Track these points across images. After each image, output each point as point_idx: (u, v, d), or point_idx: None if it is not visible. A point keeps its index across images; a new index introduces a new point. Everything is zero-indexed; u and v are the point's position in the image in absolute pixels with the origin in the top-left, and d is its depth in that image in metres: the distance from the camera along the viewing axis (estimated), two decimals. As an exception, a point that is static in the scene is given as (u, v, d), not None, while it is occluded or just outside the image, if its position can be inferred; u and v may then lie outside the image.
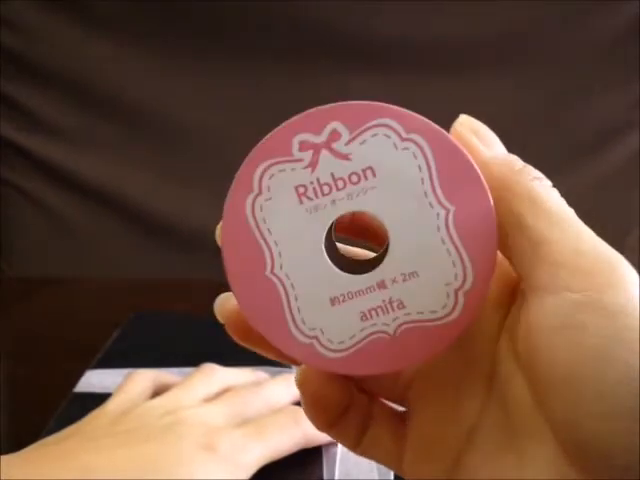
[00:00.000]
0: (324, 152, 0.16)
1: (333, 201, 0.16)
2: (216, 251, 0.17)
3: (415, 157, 0.16)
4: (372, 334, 0.16)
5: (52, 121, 0.62)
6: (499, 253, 0.17)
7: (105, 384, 0.38)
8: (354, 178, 0.16)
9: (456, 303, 0.16)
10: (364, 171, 0.16)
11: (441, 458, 0.17)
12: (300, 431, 0.32)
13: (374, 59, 0.60)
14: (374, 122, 0.16)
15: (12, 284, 0.57)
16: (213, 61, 0.60)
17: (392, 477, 0.32)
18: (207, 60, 0.60)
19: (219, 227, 0.17)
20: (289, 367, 0.35)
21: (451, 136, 0.16)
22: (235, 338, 0.18)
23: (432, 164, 0.16)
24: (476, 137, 0.17)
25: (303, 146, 0.16)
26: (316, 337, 0.16)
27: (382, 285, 0.16)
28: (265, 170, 0.16)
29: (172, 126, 0.62)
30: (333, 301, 0.16)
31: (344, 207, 0.16)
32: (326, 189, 0.16)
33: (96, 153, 0.63)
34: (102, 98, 0.62)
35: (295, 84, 0.60)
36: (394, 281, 0.16)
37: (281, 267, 0.16)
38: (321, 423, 0.18)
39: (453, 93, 0.60)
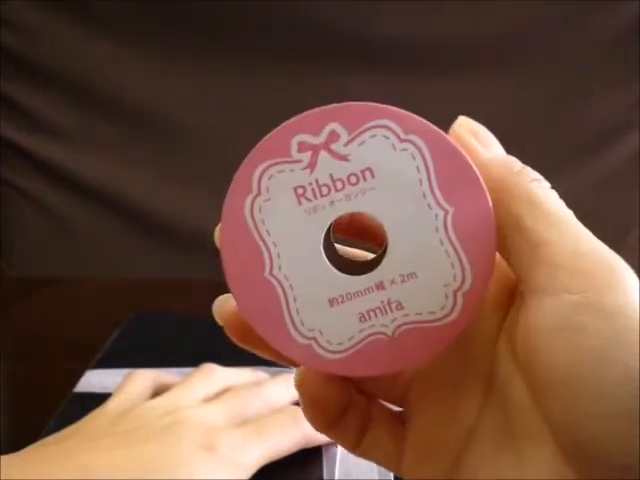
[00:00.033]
0: (323, 153, 0.16)
1: (332, 202, 0.16)
2: (216, 251, 0.17)
3: (414, 158, 0.16)
4: (371, 335, 0.16)
5: (52, 121, 0.62)
6: (497, 254, 0.17)
7: (105, 384, 0.38)
8: (353, 179, 0.16)
9: (455, 304, 0.16)
10: (363, 172, 0.16)
11: (440, 459, 0.17)
12: (300, 431, 0.32)
13: (374, 59, 0.60)
14: (373, 123, 0.16)
15: (12, 284, 0.57)
16: (213, 61, 0.60)
17: (392, 477, 0.32)
18: (207, 60, 0.60)
19: (218, 229, 0.17)
20: (289, 367, 0.35)
21: (449, 137, 0.16)
22: (234, 340, 0.18)
23: (430, 165, 0.16)
24: (475, 138, 0.17)
25: (302, 147, 0.16)
26: (315, 338, 0.16)
27: (381, 286, 0.16)
28: (264, 171, 0.16)
29: (172, 126, 0.62)
30: (332, 302, 0.16)
31: (343, 208, 0.16)
32: (325, 190, 0.16)
33: (96, 153, 0.63)
34: (102, 98, 0.62)
35: (295, 84, 0.60)
36: (393, 282, 0.16)
37: (280, 268, 0.16)
38: (320, 424, 0.18)
39: (453, 93, 0.60)
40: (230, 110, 0.61)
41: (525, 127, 0.62)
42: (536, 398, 0.15)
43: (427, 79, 0.60)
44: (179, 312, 0.47)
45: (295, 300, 0.16)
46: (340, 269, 0.17)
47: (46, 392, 0.39)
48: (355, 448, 0.19)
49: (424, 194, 0.16)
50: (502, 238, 0.16)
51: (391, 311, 0.16)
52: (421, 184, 0.16)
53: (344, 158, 0.16)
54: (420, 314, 0.16)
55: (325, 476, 0.32)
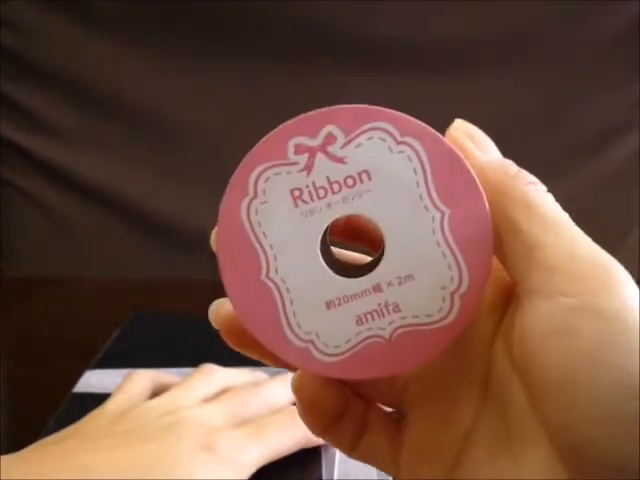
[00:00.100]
0: (320, 155, 0.16)
1: (329, 204, 0.16)
2: (216, 251, 0.17)
3: (410, 160, 0.16)
4: (368, 338, 0.16)
5: (52, 121, 0.62)
6: (494, 257, 0.17)
7: (104, 384, 0.38)
8: (349, 181, 0.16)
9: (452, 306, 0.16)
10: (359, 174, 0.16)
11: (437, 462, 0.17)
12: (299, 431, 0.32)
13: (374, 59, 0.60)
14: (369, 125, 0.16)
15: (12, 284, 0.57)
16: (213, 61, 0.60)
17: (391, 477, 0.32)
18: (207, 60, 0.60)
19: (214, 232, 0.17)
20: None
21: (446, 139, 0.16)
22: (230, 343, 0.18)
23: (427, 167, 0.16)
24: (471, 141, 0.17)
25: (299, 149, 0.16)
26: (311, 341, 0.16)
27: (378, 288, 0.16)
28: (261, 173, 0.16)
29: (172, 126, 0.62)
30: (328, 305, 0.16)
31: (340, 210, 0.16)
32: (322, 192, 0.16)
33: (96, 153, 0.63)
34: (102, 98, 0.62)
35: (295, 84, 0.60)
36: (390, 284, 0.16)
37: (276, 271, 0.16)
38: (317, 428, 0.18)
39: (453, 93, 0.60)
40: (230, 110, 0.61)
41: (525, 127, 0.62)
42: (532, 401, 0.15)
43: (427, 79, 0.60)
44: (179, 312, 0.47)
45: (292, 303, 0.16)
46: (337, 272, 0.17)
47: (46, 392, 0.39)
48: (352, 451, 0.19)
49: (421, 196, 0.16)
50: (498, 241, 0.16)
51: (388, 314, 0.16)
52: (418, 186, 0.16)
53: (341, 160, 0.16)
54: (417, 317, 0.16)
55: (324, 476, 0.32)
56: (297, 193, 0.16)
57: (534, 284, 0.15)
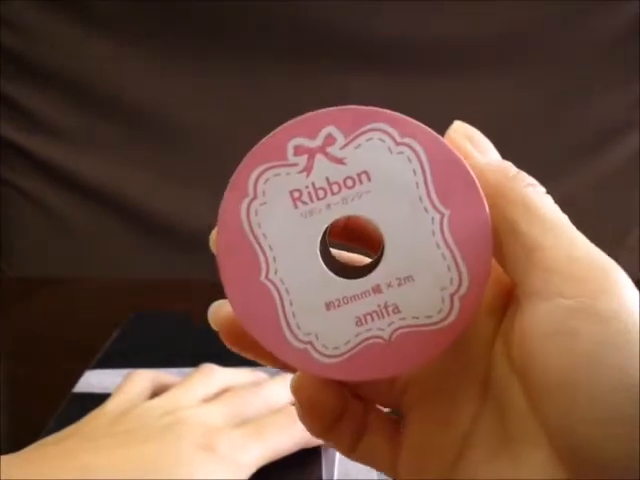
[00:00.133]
0: (319, 156, 0.16)
1: (328, 205, 0.16)
2: (216, 251, 0.17)
3: (410, 161, 0.16)
4: (367, 339, 0.16)
5: (52, 121, 0.62)
6: (493, 259, 0.17)
7: (104, 384, 0.38)
8: (349, 182, 0.16)
9: (451, 308, 0.16)
10: (359, 175, 0.16)
11: (437, 463, 0.17)
12: (299, 431, 0.32)
13: (374, 59, 0.60)
14: (369, 126, 0.16)
15: (12, 284, 0.57)
16: (213, 61, 0.60)
17: (391, 479, 0.32)
18: (207, 60, 0.60)
19: (213, 233, 0.17)
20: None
21: (446, 140, 0.16)
22: (229, 345, 0.18)
23: (427, 168, 0.16)
24: (470, 143, 0.17)
25: (298, 150, 0.16)
26: (311, 342, 0.16)
27: (377, 290, 0.16)
28: (260, 174, 0.16)
29: (172, 126, 0.62)
30: (328, 306, 0.16)
31: (339, 211, 0.16)
32: (321, 193, 0.16)
33: (96, 153, 0.63)
34: (102, 98, 0.62)
35: (295, 84, 0.60)
36: (389, 285, 0.16)
37: (276, 272, 0.16)
38: (316, 429, 0.18)
39: (453, 93, 0.60)
40: (230, 110, 0.61)
41: (525, 127, 0.62)
42: (532, 402, 0.15)
43: (427, 79, 0.60)
44: (179, 312, 0.47)
45: (291, 304, 0.16)
46: (336, 273, 0.17)
47: (46, 392, 0.39)
48: (351, 453, 0.19)
49: (420, 197, 0.16)
50: (497, 243, 0.16)
51: (388, 315, 0.16)
52: (417, 187, 0.16)
53: (340, 161, 0.16)
54: (417, 318, 0.16)
55: (324, 476, 0.32)
56: (297, 194, 0.16)
57: (533, 286, 0.15)
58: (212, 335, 0.19)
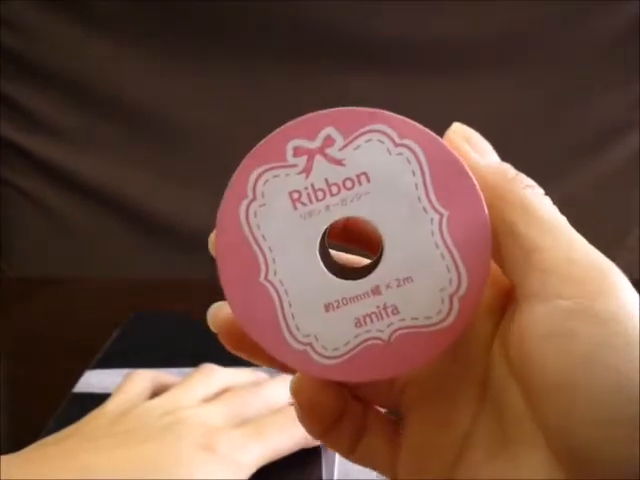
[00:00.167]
0: (318, 158, 0.16)
1: (327, 207, 0.16)
2: (215, 252, 0.17)
3: (409, 162, 0.16)
4: (366, 340, 0.16)
5: (52, 121, 0.62)
6: (492, 260, 0.17)
7: (104, 384, 0.38)
8: (348, 184, 0.16)
9: (451, 308, 0.16)
10: (358, 176, 0.16)
11: (436, 464, 0.17)
12: (299, 431, 0.31)
13: (374, 59, 0.60)
14: (368, 128, 0.16)
15: (12, 284, 0.57)
16: (213, 61, 0.60)
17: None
18: (207, 60, 0.60)
19: (212, 235, 0.17)
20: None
21: (445, 141, 0.17)
22: (228, 347, 0.18)
23: (426, 169, 0.16)
24: (469, 145, 0.17)
25: (297, 152, 0.16)
26: (310, 344, 0.16)
27: (376, 291, 0.16)
28: (259, 176, 0.16)
29: (172, 126, 0.62)
30: (327, 307, 0.16)
31: (338, 213, 0.16)
32: (320, 195, 0.16)
33: (96, 153, 0.63)
34: (102, 98, 0.62)
35: (295, 84, 0.60)
36: (388, 287, 0.16)
37: (275, 273, 0.16)
38: (316, 431, 0.18)
39: (453, 93, 0.60)
40: (230, 110, 0.61)
41: (525, 127, 0.62)
42: (530, 404, 0.15)
43: (427, 79, 0.60)
44: (179, 312, 0.47)
45: (290, 305, 0.16)
46: (336, 274, 0.17)
47: (46, 392, 0.39)
48: (351, 454, 0.19)
49: (419, 198, 0.16)
50: (496, 244, 0.16)
51: (387, 316, 0.16)
52: (416, 188, 0.16)
53: (339, 162, 0.16)
54: (416, 319, 0.16)
55: (324, 476, 0.32)
56: (296, 195, 0.16)
57: (531, 287, 0.15)
58: (212, 335, 0.19)
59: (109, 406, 0.32)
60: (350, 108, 0.16)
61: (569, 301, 0.14)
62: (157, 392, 0.34)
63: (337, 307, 0.16)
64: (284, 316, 0.16)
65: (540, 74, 0.61)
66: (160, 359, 0.39)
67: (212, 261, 0.17)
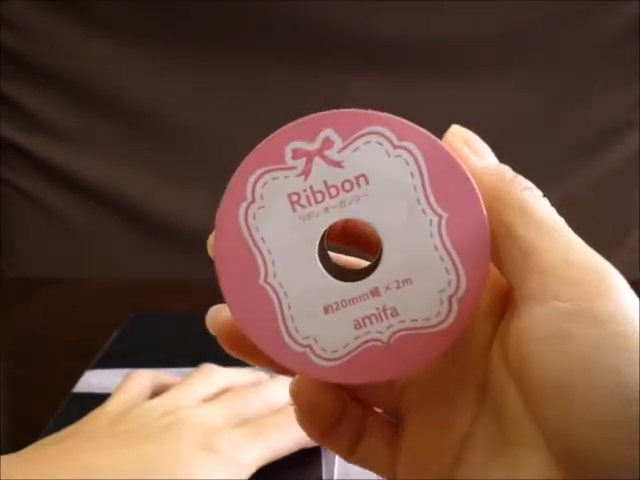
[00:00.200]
0: (317, 160, 0.16)
1: (326, 209, 0.16)
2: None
3: (407, 164, 0.16)
4: (366, 342, 0.16)
5: (52, 121, 0.62)
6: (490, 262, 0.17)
7: (104, 384, 0.38)
8: (347, 185, 0.16)
9: (450, 310, 0.16)
10: (357, 178, 0.16)
11: (435, 466, 0.17)
12: (299, 431, 0.31)
13: (374, 59, 0.60)
14: (367, 130, 0.16)
15: (12, 284, 0.57)
16: (213, 61, 0.60)
17: None
18: (207, 60, 0.60)
19: (211, 238, 0.17)
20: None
21: (443, 144, 0.17)
22: (227, 350, 0.18)
23: (424, 171, 0.16)
24: (467, 147, 0.17)
25: (296, 154, 0.16)
26: (309, 346, 0.16)
27: (376, 293, 0.16)
28: (258, 178, 0.16)
29: (172, 126, 0.62)
30: (327, 309, 0.16)
31: (337, 215, 0.16)
32: (319, 197, 0.16)
33: (96, 153, 0.63)
34: (102, 98, 0.62)
35: (295, 84, 0.60)
36: (388, 288, 0.16)
37: (274, 275, 0.16)
38: (315, 433, 0.18)
39: (453, 93, 0.60)
40: (230, 110, 0.61)
41: (525, 127, 0.62)
42: (529, 405, 0.15)
43: (427, 79, 0.60)
44: (179, 312, 0.47)
45: (290, 307, 0.16)
46: (335, 276, 0.17)
47: (46, 392, 0.39)
48: (350, 456, 0.19)
49: (418, 200, 0.16)
50: (494, 246, 0.16)
51: (386, 318, 0.16)
52: (415, 190, 0.16)
53: (338, 165, 0.16)
54: (415, 320, 0.16)
55: (324, 476, 0.32)
56: (295, 197, 0.16)
57: (529, 289, 0.15)
58: (212, 335, 0.19)
59: (109, 406, 0.32)
60: (349, 110, 0.16)
61: (567, 303, 0.14)
62: (157, 392, 0.34)
63: (336, 309, 0.16)
64: (283, 318, 0.16)
65: (540, 74, 0.61)
66: (160, 359, 0.39)
67: (212, 261, 0.17)
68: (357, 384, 0.18)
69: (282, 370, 0.18)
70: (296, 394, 0.18)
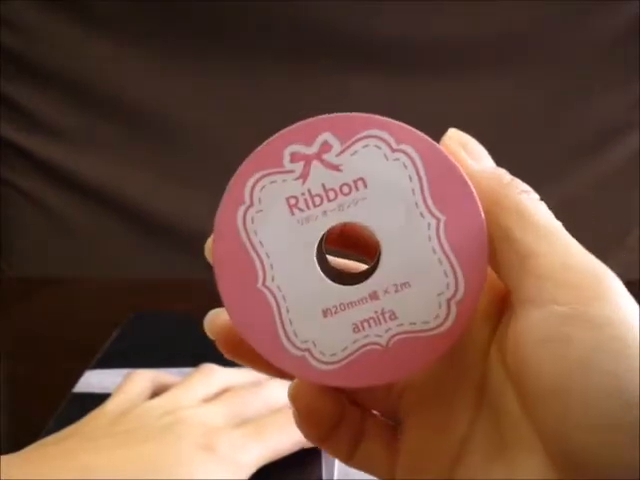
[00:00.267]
0: (315, 163, 0.16)
1: (324, 212, 0.16)
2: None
3: (406, 168, 0.16)
4: (365, 346, 0.16)
5: (52, 121, 0.62)
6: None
7: (104, 384, 0.38)
8: (345, 189, 0.16)
9: (448, 313, 0.16)
10: (355, 182, 0.16)
11: (434, 469, 0.17)
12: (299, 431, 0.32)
13: (374, 59, 0.60)
14: (365, 133, 0.16)
15: (12, 284, 0.58)
16: (213, 61, 0.60)
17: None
18: (207, 60, 0.60)
19: (209, 241, 0.17)
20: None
21: (441, 147, 0.17)
22: (225, 353, 0.18)
23: (423, 174, 0.16)
24: (464, 150, 0.17)
25: (294, 157, 0.16)
26: (308, 349, 0.16)
27: (374, 296, 0.16)
28: (256, 182, 0.16)
29: (172, 126, 0.62)
30: (325, 313, 0.16)
31: (335, 218, 0.16)
32: (317, 200, 0.16)
33: (96, 153, 0.63)
34: (102, 98, 0.62)
35: (295, 84, 0.60)
36: (386, 292, 0.16)
37: (273, 279, 0.16)
38: (314, 436, 0.18)
39: (453, 93, 0.60)
40: (230, 110, 0.61)
41: (525, 127, 0.62)
42: (527, 409, 0.15)
43: (427, 79, 0.60)
44: (179, 312, 0.47)
45: (288, 311, 0.16)
46: (333, 280, 0.17)
47: (46, 392, 0.39)
48: (349, 459, 0.19)
49: (416, 203, 0.16)
50: (492, 249, 0.16)
51: (385, 321, 0.16)
52: (413, 193, 0.16)
53: (336, 168, 0.16)
54: (414, 324, 0.16)
55: (324, 476, 0.32)
56: (293, 201, 0.16)
57: (527, 293, 0.15)
58: (211, 336, 0.19)
59: (109, 406, 0.32)
60: (347, 114, 0.16)
61: (564, 307, 0.15)
62: (157, 392, 0.34)
63: (335, 313, 0.16)
64: (282, 322, 0.16)
65: (540, 74, 0.61)
66: (160, 359, 0.39)
67: (212, 261, 0.17)
68: (356, 387, 0.18)
69: (281, 374, 0.18)
70: (295, 398, 0.18)
